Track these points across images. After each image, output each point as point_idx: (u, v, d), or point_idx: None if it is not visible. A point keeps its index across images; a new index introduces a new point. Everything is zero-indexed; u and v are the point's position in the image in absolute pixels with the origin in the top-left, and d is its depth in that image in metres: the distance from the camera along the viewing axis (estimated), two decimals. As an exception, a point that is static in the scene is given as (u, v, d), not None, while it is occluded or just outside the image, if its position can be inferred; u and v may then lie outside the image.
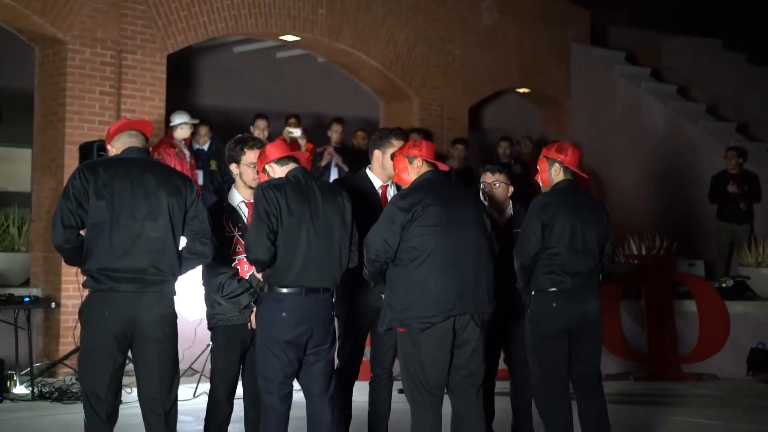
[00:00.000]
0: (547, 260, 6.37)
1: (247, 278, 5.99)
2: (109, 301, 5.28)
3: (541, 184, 6.65)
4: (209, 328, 6.12)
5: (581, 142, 11.24)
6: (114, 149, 5.60)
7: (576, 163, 6.51)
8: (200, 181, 11.45)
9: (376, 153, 6.48)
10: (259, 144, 6.14)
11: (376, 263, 5.83)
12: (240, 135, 6.30)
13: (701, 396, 9.99)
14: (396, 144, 6.37)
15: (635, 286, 11.56)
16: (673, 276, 11.71)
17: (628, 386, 10.36)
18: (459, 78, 14.39)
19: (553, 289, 6.38)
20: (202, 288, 6.16)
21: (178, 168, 10.45)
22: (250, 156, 6.08)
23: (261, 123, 11.61)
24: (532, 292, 6.47)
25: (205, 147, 11.78)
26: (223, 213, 6.05)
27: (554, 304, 6.36)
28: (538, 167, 6.66)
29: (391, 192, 6.49)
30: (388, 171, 6.40)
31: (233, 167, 6.15)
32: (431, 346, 5.77)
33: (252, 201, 5.89)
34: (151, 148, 10.18)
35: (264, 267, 5.69)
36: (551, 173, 6.55)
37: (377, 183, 6.51)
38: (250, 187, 6.07)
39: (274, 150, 5.94)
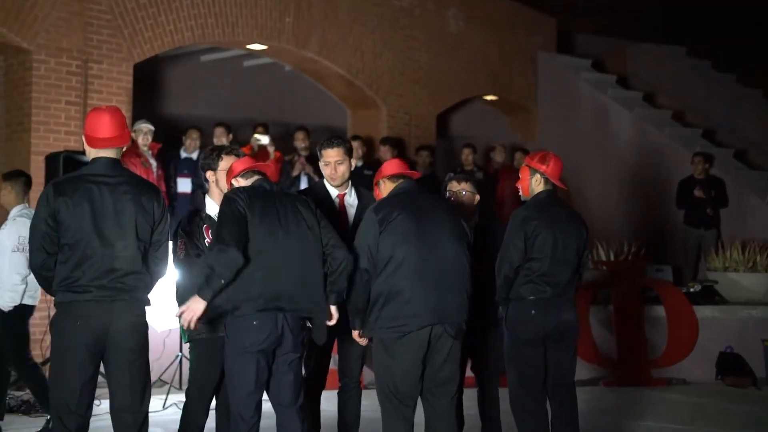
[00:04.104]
0: (528, 270, 6.39)
1: None
2: (79, 310, 5.24)
3: (521, 192, 6.67)
4: (189, 340, 6.05)
5: (548, 149, 11.39)
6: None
7: (557, 175, 6.54)
8: (186, 188, 11.38)
9: (320, 164, 6.57)
10: (235, 151, 6.17)
11: (365, 277, 5.84)
12: (215, 145, 6.32)
13: (671, 401, 10.02)
14: (323, 154, 6.49)
15: (604, 292, 11.61)
16: (641, 281, 11.75)
17: (597, 392, 10.38)
18: (426, 86, 14.41)
19: (532, 297, 6.40)
20: (170, 299, 6.11)
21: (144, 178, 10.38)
22: (227, 162, 6.09)
23: (219, 131, 11.54)
24: (510, 301, 6.48)
25: (194, 155, 11.65)
26: (202, 222, 6.06)
27: (533, 312, 6.38)
28: (519, 175, 6.69)
29: (348, 200, 6.53)
30: (327, 180, 6.52)
31: (209, 174, 6.16)
32: (405, 355, 5.77)
33: None
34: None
35: (238, 265, 5.54)
36: (532, 183, 6.58)
37: (333, 192, 6.54)
38: None
39: (239, 164, 5.96)
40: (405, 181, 6.08)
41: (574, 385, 6.61)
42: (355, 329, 6.03)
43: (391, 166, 6.19)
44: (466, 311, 5.91)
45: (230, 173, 5.93)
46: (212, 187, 6.17)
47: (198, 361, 6.06)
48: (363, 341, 6.11)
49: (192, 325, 5.50)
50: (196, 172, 11.42)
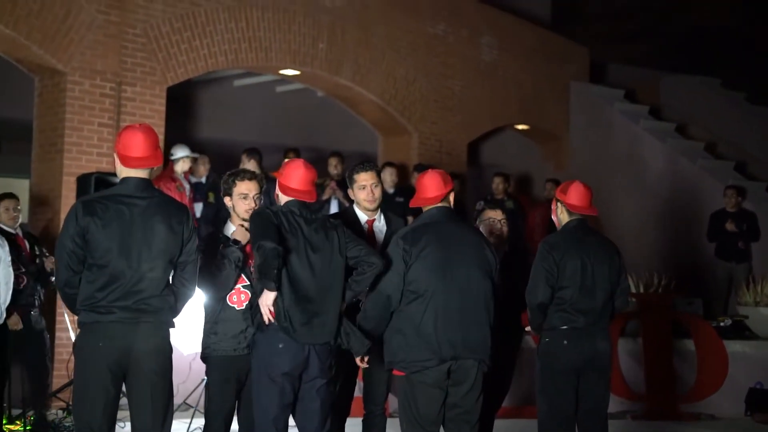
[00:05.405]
0: (559, 299, 6.36)
1: (243, 308, 5.97)
2: (103, 331, 5.23)
3: (556, 223, 6.66)
4: (202, 359, 6.07)
5: (580, 179, 11.43)
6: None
7: (579, 202, 6.49)
8: (198, 214, 11.43)
9: (349, 191, 6.55)
10: (249, 175, 6.15)
11: (383, 307, 5.78)
12: (233, 170, 6.32)
13: (699, 436, 9.92)
14: (357, 179, 6.43)
15: (633, 324, 11.51)
16: (671, 314, 11.65)
17: (625, 425, 10.27)
18: (458, 113, 14.41)
19: (565, 327, 6.35)
20: (198, 322, 6.13)
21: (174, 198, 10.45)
22: (242, 187, 6.08)
23: (243, 157, 11.46)
24: (544, 330, 6.44)
25: (203, 179, 11.76)
26: (218, 243, 6.03)
27: (565, 342, 6.34)
28: (552, 207, 6.70)
29: (378, 225, 6.50)
30: (361, 205, 6.47)
31: (227, 200, 6.16)
32: (425, 386, 5.76)
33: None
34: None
35: (275, 254, 5.50)
36: (558, 213, 6.58)
37: (363, 218, 6.51)
38: (244, 220, 6.05)
39: (292, 179, 5.89)
40: (437, 207, 6.02)
41: (606, 418, 6.54)
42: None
43: (432, 187, 6.03)
44: (489, 346, 5.86)
45: (282, 175, 5.90)
46: (232, 212, 6.16)
47: (212, 382, 6.06)
48: (364, 364, 5.98)
49: (267, 316, 5.57)
50: (207, 196, 11.48)
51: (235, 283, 5.97)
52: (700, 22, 18.64)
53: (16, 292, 8.20)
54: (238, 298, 6.01)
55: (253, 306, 5.79)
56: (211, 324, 6.01)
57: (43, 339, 8.80)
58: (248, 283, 5.98)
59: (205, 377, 8.98)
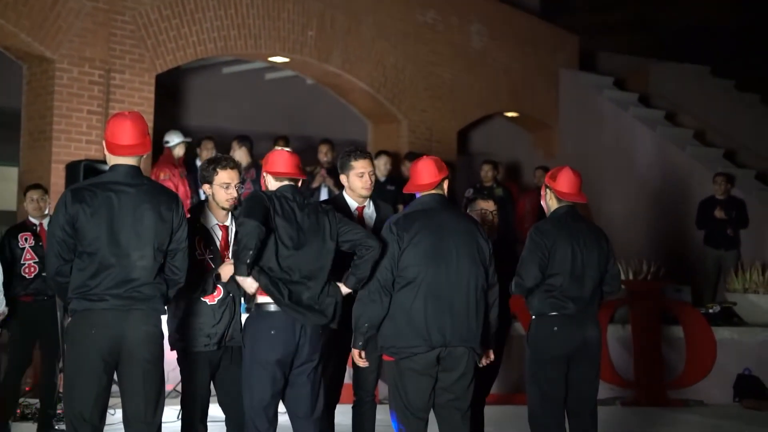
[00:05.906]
0: (549, 285, 6.35)
1: (215, 302, 5.95)
2: (95, 319, 5.22)
3: (546, 210, 6.65)
4: (172, 350, 6.02)
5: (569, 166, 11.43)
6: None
7: (570, 189, 6.46)
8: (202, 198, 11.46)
9: (342, 178, 6.49)
10: (231, 163, 6.09)
11: (376, 292, 5.79)
12: (213, 156, 6.28)
13: (688, 422, 9.95)
14: (355, 165, 6.37)
15: (622, 311, 11.54)
16: (660, 301, 11.69)
17: (614, 412, 10.31)
18: (448, 101, 14.40)
19: (554, 313, 6.35)
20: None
21: (181, 189, 10.50)
22: (223, 176, 6.01)
23: (234, 143, 11.42)
24: (533, 317, 6.44)
25: None
26: (195, 234, 5.93)
27: (555, 329, 6.33)
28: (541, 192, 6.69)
29: (368, 212, 6.50)
30: (357, 192, 6.42)
31: (206, 188, 6.09)
32: (414, 372, 5.76)
33: (225, 224, 6.02)
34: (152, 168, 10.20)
35: (256, 233, 5.50)
36: (547, 200, 6.56)
37: (353, 205, 6.50)
38: (223, 209, 6.03)
39: (281, 163, 5.90)
40: (431, 194, 6.01)
41: (596, 405, 6.54)
42: (356, 348, 5.95)
43: (425, 174, 6.02)
44: (479, 335, 5.86)
45: (268, 164, 5.90)
46: (210, 200, 6.10)
47: (185, 374, 6.02)
48: (363, 363, 6.03)
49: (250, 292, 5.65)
50: None
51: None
52: (695, 22, 18.68)
53: (27, 281, 8.30)
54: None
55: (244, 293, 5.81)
56: (180, 318, 5.94)
57: (55, 330, 8.57)
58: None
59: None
